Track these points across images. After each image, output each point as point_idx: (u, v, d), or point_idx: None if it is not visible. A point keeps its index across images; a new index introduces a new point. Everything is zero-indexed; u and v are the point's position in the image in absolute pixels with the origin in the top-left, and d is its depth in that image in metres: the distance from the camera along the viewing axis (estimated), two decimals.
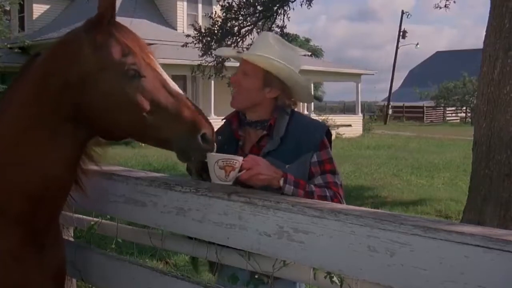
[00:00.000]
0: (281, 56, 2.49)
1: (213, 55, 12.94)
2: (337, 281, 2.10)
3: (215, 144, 2.22)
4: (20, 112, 2.21)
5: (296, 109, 2.66)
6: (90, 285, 3.24)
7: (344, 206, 2.18)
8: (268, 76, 2.50)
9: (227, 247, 2.32)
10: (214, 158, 2.21)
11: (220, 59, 12.98)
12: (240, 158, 2.23)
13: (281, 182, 2.30)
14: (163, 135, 2.18)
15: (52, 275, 2.37)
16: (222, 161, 2.20)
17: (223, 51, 2.92)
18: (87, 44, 2.14)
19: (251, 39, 13.16)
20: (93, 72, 2.12)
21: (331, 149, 2.55)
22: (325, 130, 2.55)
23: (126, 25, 2.26)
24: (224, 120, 2.72)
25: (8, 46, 21.44)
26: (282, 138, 2.48)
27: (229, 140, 2.60)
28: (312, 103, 29.58)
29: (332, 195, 2.40)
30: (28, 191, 2.20)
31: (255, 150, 2.53)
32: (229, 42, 12.88)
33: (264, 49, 2.50)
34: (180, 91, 2.21)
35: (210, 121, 2.23)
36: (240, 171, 2.24)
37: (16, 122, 2.20)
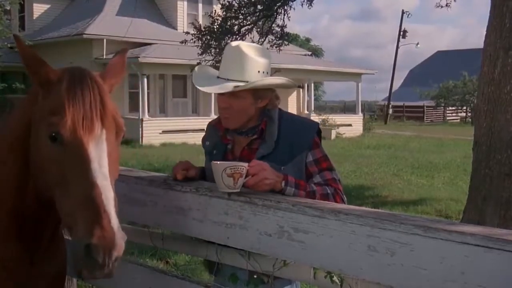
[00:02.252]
0: (263, 65, 2.48)
1: (212, 53, 12.94)
2: (337, 281, 2.10)
3: (105, 265, 1.77)
4: (5, 136, 2.20)
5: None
6: (90, 285, 3.25)
7: (344, 206, 2.19)
8: (258, 91, 2.49)
9: (228, 246, 2.32)
10: (221, 167, 2.16)
11: (219, 58, 12.98)
12: (246, 164, 2.21)
13: (283, 184, 2.30)
14: (63, 218, 1.90)
15: (49, 282, 2.33)
16: (230, 169, 2.15)
17: (210, 86, 2.55)
18: (40, 91, 2.00)
19: (250, 38, 13.16)
20: (36, 118, 1.99)
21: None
22: (316, 129, 2.56)
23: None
24: (209, 125, 2.71)
25: (9, 45, 21.44)
26: (276, 141, 2.48)
27: (217, 145, 2.61)
28: (312, 102, 29.62)
29: (333, 191, 2.42)
30: (11, 209, 2.16)
31: (246, 153, 2.52)
32: (228, 41, 12.88)
33: (244, 65, 2.45)
34: (99, 181, 1.80)
35: (116, 236, 1.74)
36: (246, 176, 2.21)
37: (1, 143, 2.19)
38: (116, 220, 1.78)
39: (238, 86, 2.43)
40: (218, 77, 2.53)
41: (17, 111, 2.24)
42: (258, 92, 2.49)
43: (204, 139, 2.69)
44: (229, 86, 2.44)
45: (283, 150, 2.46)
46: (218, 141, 2.62)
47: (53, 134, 1.86)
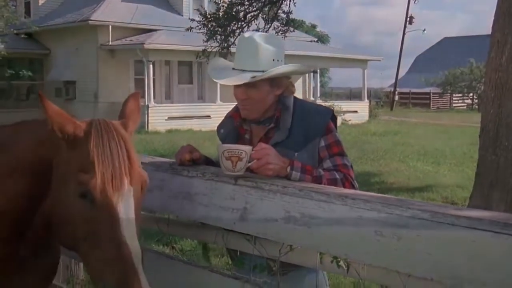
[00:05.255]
0: (277, 53, 2.48)
1: (218, 40, 12.88)
2: (343, 266, 2.10)
3: None
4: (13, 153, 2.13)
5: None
6: None
7: (351, 190, 2.18)
8: (274, 79, 2.49)
9: (234, 231, 2.32)
10: (221, 150, 2.21)
11: (225, 45, 12.94)
12: (247, 148, 2.22)
13: (288, 169, 2.29)
14: (89, 269, 1.94)
15: (44, 273, 2.33)
16: (228, 152, 2.19)
17: (226, 78, 2.52)
18: (63, 142, 1.96)
19: (256, 24, 13.10)
20: (61, 172, 1.96)
21: (336, 132, 2.55)
22: (330, 114, 2.55)
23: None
24: (226, 115, 2.72)
25: (14, 32, 21.44)
26: (290, 128, 2.48)
27: (231, 133, 2.63)
28: (318, 89, 29.53)
29: (343, 177, 2.39)
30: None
31: (263, 142, 2.52)
32: (234, 27, 12.82)
33: (259, 55, 2.45)
34: (129, 240, 1.85)
35: None
36: (251, 161, 2.22)
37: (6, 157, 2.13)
38: (145, 279, 1.83)
39: (255, 76, 2.42)
40: (233, 68, 2.52)
41: (25, 135, 2.16)
42: (274, 81, 2.49)
43: (219, 127, 2.71)
44: (246, 77, 2.43)
45: (297, 137, 2.46)
46: (233, 131, 2.63)
47: (83, 192, 1.86)
